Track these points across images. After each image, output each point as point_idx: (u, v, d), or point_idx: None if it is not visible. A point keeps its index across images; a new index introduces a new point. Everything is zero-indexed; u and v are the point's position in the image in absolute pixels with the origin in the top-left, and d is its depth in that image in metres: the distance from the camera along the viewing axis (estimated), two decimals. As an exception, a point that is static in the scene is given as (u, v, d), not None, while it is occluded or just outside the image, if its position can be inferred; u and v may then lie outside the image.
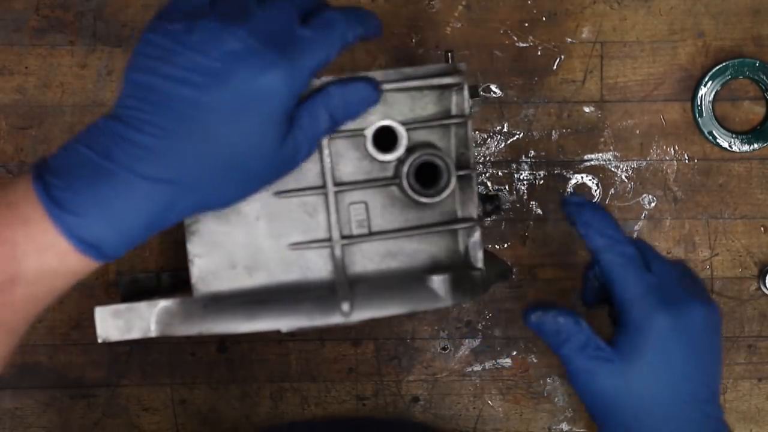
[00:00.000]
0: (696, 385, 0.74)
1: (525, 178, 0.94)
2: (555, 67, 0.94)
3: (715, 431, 0.74)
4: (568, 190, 0.94)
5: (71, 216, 0.61)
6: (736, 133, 0.94)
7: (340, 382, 0.94)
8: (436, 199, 0.69)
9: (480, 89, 0.94)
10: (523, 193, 0.94)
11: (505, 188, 0.94)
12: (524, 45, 0.94)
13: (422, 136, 0.70)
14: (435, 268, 0.70)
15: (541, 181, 0.94)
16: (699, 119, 0.94)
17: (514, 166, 0.94)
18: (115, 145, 0.61)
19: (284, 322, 0.67)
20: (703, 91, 0.94)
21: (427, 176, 0.70)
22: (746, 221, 0.95)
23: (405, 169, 0.69)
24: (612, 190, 0.94)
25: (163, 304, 0.68)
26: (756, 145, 0.94)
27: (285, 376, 0.94)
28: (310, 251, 0.69)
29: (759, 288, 0.94)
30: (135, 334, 0.68)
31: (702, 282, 0.79)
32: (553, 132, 0.94)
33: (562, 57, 0.94)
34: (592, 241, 0.75)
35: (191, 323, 0.68)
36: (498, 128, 0.94)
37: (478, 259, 0.71)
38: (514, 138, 0.94)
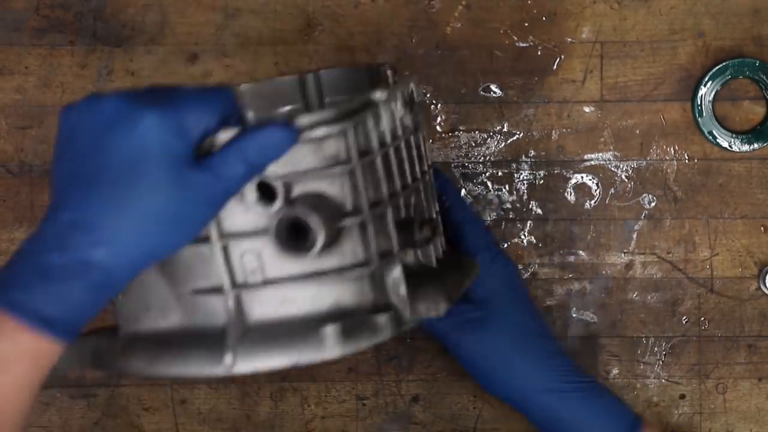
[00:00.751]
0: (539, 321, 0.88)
1: (525, 178, 0.94)
2: (555, 67, 0.94)
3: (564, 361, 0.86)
4: (569, 189, 0.94)
5: (12, 291, 0.63)
6: (736, 133, 0.94)
7: (340, 381, 0.94)
8: (309, 255, 0.66)
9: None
10: (523, 193, 0.94)
11: (505, 188, 0.94)
12: (524, 45, 0.94)
13: (314, 184, 0.68)
14: (337, 313, 0.68)
15: (541, 181, 0.94)
16: (699, 119, 0.94)
17: (514, 166, 0.94)
18: (45, 233, 0.64)
19: (174, 369, 0.67)
20: (703, 91, 0.94)
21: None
22: (746, 221, 0.95)
23: (273, 226, 0.66)
24: (612, 190, 0.94)
25: (92, 339, 0.71)
26: (756, 145, 0.94)
27: (285, 376, 0.94)
28: (212, 297, 0.68)
29: (759, 288, 0.94)
30: (78, 366, 0.71)
31: None
32: (553, 132, 0.94)
33: (562, 57, 0.94)
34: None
35: (112, 360, 0.70)
36: (498, 128, 0.94)
37: (399, 297, 0.69)
38: (514, 138, 0.94)
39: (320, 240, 0.66)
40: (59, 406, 0.94)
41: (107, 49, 0.93)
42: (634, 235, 0.94)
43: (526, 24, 0.94)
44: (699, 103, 0.94)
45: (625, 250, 0.95)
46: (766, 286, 0.94)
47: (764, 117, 0.94)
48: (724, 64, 0.93)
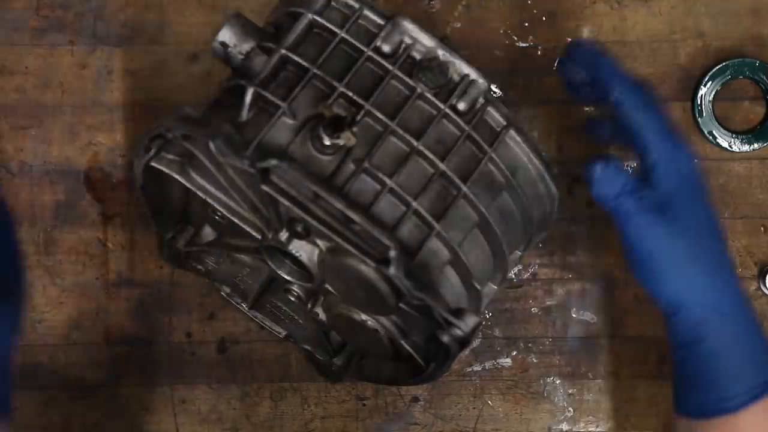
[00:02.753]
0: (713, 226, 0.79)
1: (525, 178, 0.94)
2: (555, 67, 0.94)
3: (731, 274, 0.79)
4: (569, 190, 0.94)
5: None
6: (736, 133, 0.94)
7: (340, 382, 0.94)
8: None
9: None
10: (523, 193, 0.94)
11: (505, 188, 0.94)
12: (524, 45, 0.94)
13: None
14: None
15: (541, 181, 0.94)
16: (699, 119, 0.94)
17: (514, 166, 0.94)
18: None
19: None
20: (703, 91, 0.94)
21: None
22: (746, 221, 0.95)
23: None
24: (612, 190, 0.94)
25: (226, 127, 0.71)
26: (756, 145, 0.94)
27: (285, 376, 0.94)
28: None
29: (759, 288, 0.94)
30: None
31: None
32: (553, 132, 0.94)
33: (562, 57, 0.94)
34: (612, 87, 0.78)
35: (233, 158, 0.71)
36: (498, 128, 0.94)
37: None
38: (514, 138, 0.94)
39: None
40: (59, 406, 0.94)
41: (107, 49, 0.93)
42: (634, 235, 0.94)
43: (526, 24, 0.94)
44: (699, 103, 0.94)
45: (625, 250, 0.95)
46: (766, 286, 0.94)
47: (764, 117, 0.94)
48: (724, 64, 0.93)
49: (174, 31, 0.94)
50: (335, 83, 0.73)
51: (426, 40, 0.75)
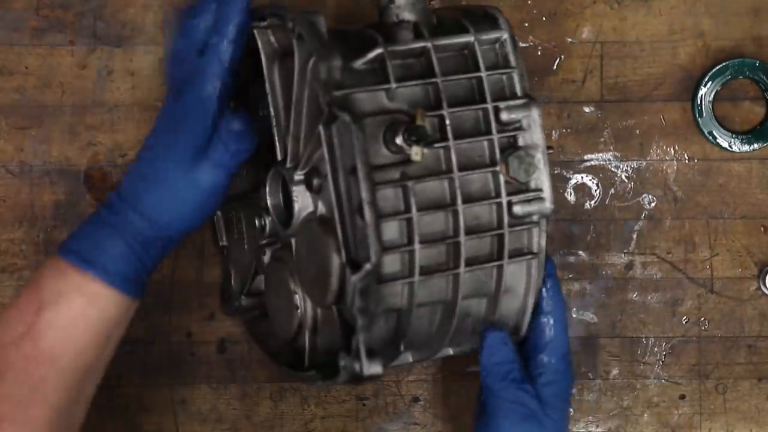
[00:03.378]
0: None
1: (525, 178, 0.94)
2: (555, 67, 0.94)
3: None
4: (569, 190, 0.94)
5: (74, 246, 0.77)
6: (736, 133, 0.94)
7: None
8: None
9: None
10: (523, 193, 0.94)
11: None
12: (524, 45, 0.94)
13: None
14: None
15: (541, 181, 0.94)
16: (699, 119, 0.94)
17: (514, 166, 0.94)
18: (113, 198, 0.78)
19: None
20: (703, 91, 0.94)
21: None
22: (746, 221, 0.95)
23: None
24: (612, 190, 0.94)
25: None
26: (756, 145, 0.94)
27: (285, 376, 0.94)
28: None
29: (759, 288, 0.94)
30: None
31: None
32: (553, 132, 0.94)
33: (562, 57, 0.94)
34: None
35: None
36: (498, 128, 0.94)
37: None
38: (514, 138, 0.94)
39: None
40: (59, 406, 0.94)
41: (107, 49, 0.93)
42: (634, 236, 0.94)
43: (526, 24, 0.94)
44: (699, 103, 0.94)
45: (625, 251, 0.95)
46: (766, 286, 0.94)
47: (764, 117, 0.94)
48: (724, 64, 0.93)
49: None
50: (444, 106, 0.74)
51: (537, 136, 0.76)
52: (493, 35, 0.77)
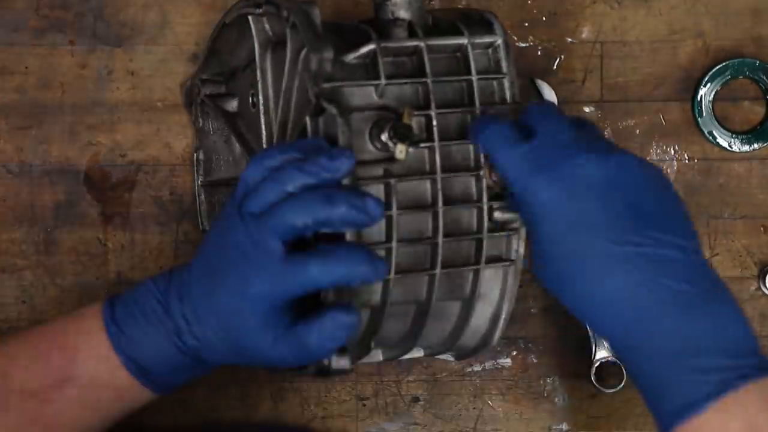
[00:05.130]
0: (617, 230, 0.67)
1: (525, 178, 0.94)
2: (555, 67, 0.94)
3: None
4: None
5: (124, 336, 0.73)
6: (736, 133, 0.94)
7: (340, 382, 0.94)
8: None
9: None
10: (523, 193, 0.94)
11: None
12: (524, 45, 0.94)
13: None
14: None
15: (541, 181, 0.94)
16: (699, 119, 0.94)
17: (514, 166, 0.94)
18: (172, 295, 0.73)
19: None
20: (703, 91, 0.94)
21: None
22: (746, 221, 0.95)
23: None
24: (612, 190, 0.94)
25: None
26: (756, 145, 0.94)
27: (285, 376, 0.94)
28: None
29: (759, 288, 0.94)
30: None
31: (603, 136, 0.74)
32: (553, 132, 0.94)
33: (562, 57, 0.94)
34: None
35: None
36: (498, 128, 0.94)
37: None
38: (514, 138, 0.94)
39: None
40: (59, 406, 0.94)
41: (107, 49, 0.93)
42: (634, 235, 0.94)
43: (526, 24, 0.94)
44: (699, 103, 0.94)
45: (625, 250, 0.94)
46: (766, 286, 0.94)
47: (764, 117, 0.94)
48: (724, 64, 0.93)
49: (174, 31, 0.94)
50: (433, 106, 0.74)
51: None
52: (487, 39, 0.77)
